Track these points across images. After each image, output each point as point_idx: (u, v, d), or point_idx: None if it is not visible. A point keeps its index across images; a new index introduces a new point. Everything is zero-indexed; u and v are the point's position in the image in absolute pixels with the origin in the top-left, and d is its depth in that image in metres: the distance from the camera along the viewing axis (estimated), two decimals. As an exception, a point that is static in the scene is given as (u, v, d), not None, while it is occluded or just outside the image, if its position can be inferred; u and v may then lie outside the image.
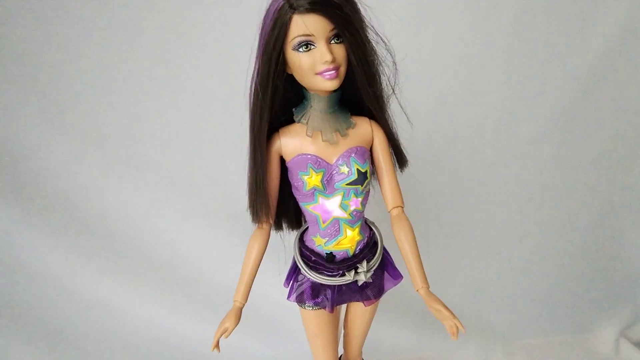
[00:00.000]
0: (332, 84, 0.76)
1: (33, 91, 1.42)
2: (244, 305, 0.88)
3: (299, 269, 0.92)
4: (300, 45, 0.73)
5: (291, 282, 0.96)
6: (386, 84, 0.85)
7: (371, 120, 0.87)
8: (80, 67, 1.41)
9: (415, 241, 0.86)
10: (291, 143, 0.84)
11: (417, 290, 0.83)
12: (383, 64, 0.83)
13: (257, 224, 0.89)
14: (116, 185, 1.52)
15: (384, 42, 0.81)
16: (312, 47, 0.73)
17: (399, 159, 0.91)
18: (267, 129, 0.81)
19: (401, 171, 0.93)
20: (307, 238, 0.93)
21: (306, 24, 0.71)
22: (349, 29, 0.73)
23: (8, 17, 1.35)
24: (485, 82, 1.55)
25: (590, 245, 1.77)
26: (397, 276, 0.97)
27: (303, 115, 0.83)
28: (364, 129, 0.86)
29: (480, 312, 1.72)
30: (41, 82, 1.41)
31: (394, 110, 0.90)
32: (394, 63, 0.83)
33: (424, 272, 0.84)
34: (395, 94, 0.87)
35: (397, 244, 0.87)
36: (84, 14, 1.37)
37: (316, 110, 0.82)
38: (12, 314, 1.51)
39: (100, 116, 1.46)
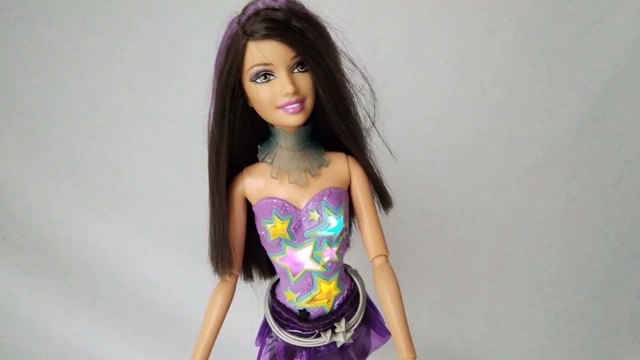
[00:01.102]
0: (296, 119, 0.65)
1: (10, 123, 1.35)
2: None
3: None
4: (257, 75, 0.62)
5: (262, 340, 0.84)
6: (364, 116, 0.74)
7: (348, 156, 0.75)
8: (59, 97, 1.34)
9: (401, 298, 0.73)
10: (256, 185, 0.73)
11: None
12: (359, 93, 0.72)
13: (220, 277, 0.77)
14: (94, 221, 1.43)
15: (359, 69, 0.70)
16: (272, 77, 0.63)
17: (382, 199, 0.79)
18: (226, 170, 0.70)
19: (386, 213, 0.81)
20: (278, 291, 0.81)
21: (263, 52, 0.61)
22: (314, 56, 0.63)
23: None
24: (488, 103, 1.43)
25: (611, 277, 1.61)
26: (385, 333, 0.84)
27: (268, 154, 0.72)
28: (339, 167, 0.74)
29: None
30: (17, 114, 1.34)
31: (377, 143, 0.78)
32: (372, 92, 0.73)
33: (410, 339, 0.71)
34: (375, 126, 0.76)
35: (379, 300, 0.74)
36: (59, 41, 1.30)
37: (283, 147, 0.71)
38: None
39: (77, 149, 1.38)
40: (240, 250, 0.77)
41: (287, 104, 0.63)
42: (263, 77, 0.62)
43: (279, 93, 0.63)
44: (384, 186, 0.78)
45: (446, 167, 1.48)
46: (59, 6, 1.29)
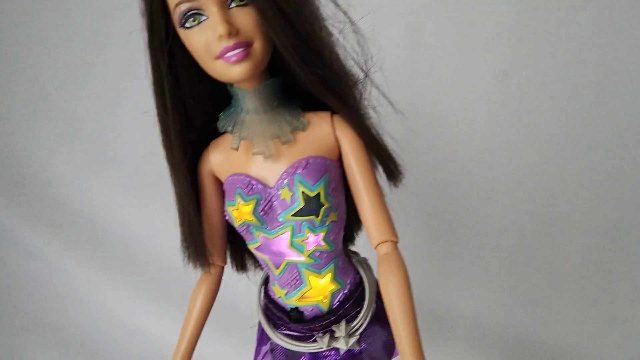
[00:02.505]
0: (240, 70, 0.49)
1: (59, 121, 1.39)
2: None
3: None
4: (185, 17, 0.48)
5: (258, 341, 0.71)
6: (357, 62, 0.57)
7: (335, 116, 0.58)
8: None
9: (410, 296, 0.55)
10: (221, 160, 0.60)
11: None
12: (341, 29, 0.54)
13: (200, 269, 0.66)
14: (139, 209, 1.43)
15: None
16: (203, 18, 0.48)
17: (387, 169, 0.60)
18: (183, 145, 0.57)
19: (394, 186, 0.62)
20: (269, 284, 0.68)
21: None
22: None
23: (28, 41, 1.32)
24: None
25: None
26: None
27: (228, 121, 0.58)
28: (320, 130, 0.57)
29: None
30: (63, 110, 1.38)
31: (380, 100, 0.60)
32: (356, 31, 0.54)
33: (418, 344, 0.53)
34: (366, 74, 0.57)
35: (383, 297, 0.57)
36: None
37: (244, 111, 0.56)
38: (40, 329, 1.49)
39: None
40: (220, 238, 0.65)
41: (224, 51, 0.48)
42: (192, 19, 0.48)
43: (213, 37, 0.48)
44: (387, 151, 0.59)
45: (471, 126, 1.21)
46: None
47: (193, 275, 0.68)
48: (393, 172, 0.60)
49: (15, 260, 1.46)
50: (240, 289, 0.77)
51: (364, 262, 0.67)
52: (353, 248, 0.73)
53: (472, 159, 1.24)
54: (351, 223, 0.68)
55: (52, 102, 1.39)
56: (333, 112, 0.58)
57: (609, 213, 1.26)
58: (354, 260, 0.67)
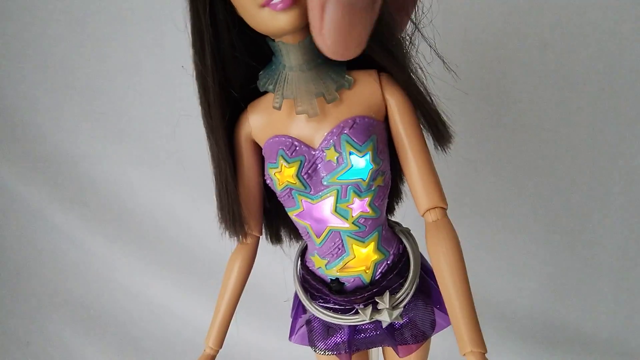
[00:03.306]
0: (287, 19, 0.46)
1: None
2: (217, 352, 0.64)
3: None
4: None
5: (293, 315, 0.69)
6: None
7: (382, 74, 0.55)
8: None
9: (464, 267, 0.52)
10: (261, 122, 0.57)
11: (464, 355, 0.50)
12: None
13: (235, 239, 0.64)
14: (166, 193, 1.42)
15: None
16: None
17: (436, 132, 0.57)
18: (222, 107, 0.55)
19: (443, 151, 0.59)
20: (307, 256, 0.65)
21: None
22: None
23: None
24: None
25: None
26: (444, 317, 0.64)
27: (269, 79, 0.55)
28: (368, 88, 0.54)
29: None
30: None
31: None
32: None
33: (477, 326, 0.50)
34: (419, 28, 0.54)
35: (433, 270, 0.54)
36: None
37: (287, 67, 0.53)
38: (87, 316, 1.51)
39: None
40: (257, 205, 0.62)
41: None
42: None
43: None
44: (437, 113, 0.56)
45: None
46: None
47: (222, 254, 0.66)
48: (443, 136, 0.57)
49: (47, 239, 1.48)
50: (271, 265, 0.76)
51: (408, 232, 0.64)
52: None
53: (503, 128, 1.19)
54: (392, 192, 0.65)
55: (75, 79, 1.38)
56: (380, 70, 0.55)
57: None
58: (396, 230, 0.63)
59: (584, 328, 1.29)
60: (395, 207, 0.70)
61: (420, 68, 0.55)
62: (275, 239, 0.71)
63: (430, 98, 0.55)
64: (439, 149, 0.58)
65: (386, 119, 0.56)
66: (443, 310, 0.64)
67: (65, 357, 1.46)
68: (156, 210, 1.45)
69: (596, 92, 1.16)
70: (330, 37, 0.34)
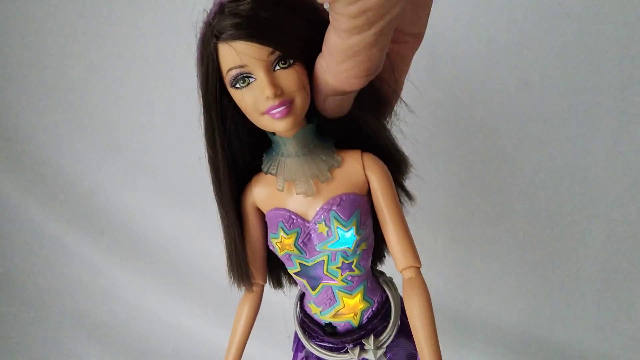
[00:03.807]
0: (284, 125, 0.57)
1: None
2: None
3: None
4: (236, 80, 0.56)
5: (295, 350, 0.80)
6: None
7: (364, 154, 0.65)
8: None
9: (432, 318, 0.63)
10: (264, 194, 0.68)
11: None
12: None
13: (243, 288, 0.75)
14: (168, 215, 1.53)
15: None
16: (252, 79, 0.56)
17: (394, 166, 0.69)
18: (231, 181, 0.66)
19: (410, 204, 0.71)
20: (305, 302, 0.76)
21: (237, 52, 0.54)
22: (294, 48, 0.54)
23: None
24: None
25: None
26: None
27: (271, 164, 0.65)
28: (352, 168, 0.65)
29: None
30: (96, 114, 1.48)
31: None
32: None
33: None
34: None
35: (408, 318, 0.65)
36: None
37: (285, 155, 0.64)
38: (85, 327, 1.61)
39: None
40: (261, 260, 0.73)
41: (270, 109, 0.56)
42: (242, 81, 0.56)
43: (260, 97, 0.55)
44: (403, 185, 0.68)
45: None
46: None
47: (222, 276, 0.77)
48: (400, 168, 0.69)
49: (63, 263, 1.59)
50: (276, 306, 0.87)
51: (390, 282, 0.75)
52: (382, 266, 0.81)
53: (487, 160, 1.30)
54: (380, 245, 0.76)
55: (92, 114, 1.49)
56: (363, 151, 0.66)
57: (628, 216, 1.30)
58: (380, 280, 0.74)
59: (567, 344, 1.38)
60: (386, 255, 0.80)
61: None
62: (277, 284, 0.82)
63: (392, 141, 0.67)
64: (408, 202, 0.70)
65: (369, 191, 0.66)
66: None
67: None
68: (164, 231, 1.56)
69: (574, 127, 1.25)
70: (329, 113, 0.61)
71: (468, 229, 1.38)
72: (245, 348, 0.76)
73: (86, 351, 1.58)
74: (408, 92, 0.68)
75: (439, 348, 0.61)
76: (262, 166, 0.66)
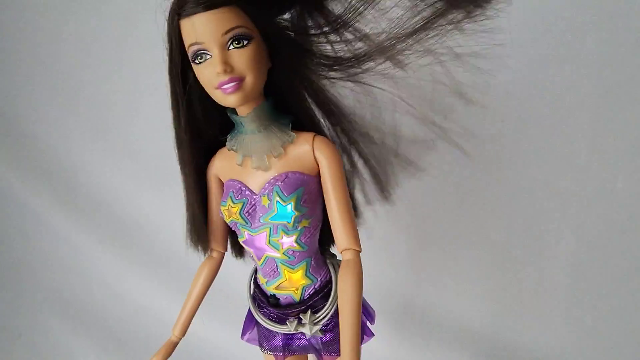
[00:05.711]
0: (233, 99, 0.62)
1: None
2: (180, 339, 0.81)
3: None
4: (195, 56, 0.62)
5: (246, 319, 0.85)
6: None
7: (317, 137, 0.69)
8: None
9: (360, 301, 0.66)
10: (223, 166, 0.74)
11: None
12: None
13: (201, 252, 0.81)
14: (151, 198, 1.58)
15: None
16: (208, 56, 0.61)
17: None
18: (193, 151, 0.72)
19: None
20: (257, 274, 0.81)
21: (195, 30, 0.60)
22: (253, 25, 0.61)
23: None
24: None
25: None
26: (367, 334, 0.77)
27: (234, 141, 0.71)
28: (303, 149, 0.69)
29: None
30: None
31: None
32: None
33: (357, 347, 0.63)
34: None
35: (338, 295, 0.68)
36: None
37: (243, 132, 0.69)
38: (75, 313, 1.68)
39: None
40: (221, 228, 0.79)
41: (221, 84, 0.61)
42: (200, 57, 0.61)
43: (213, 73, 0.61)
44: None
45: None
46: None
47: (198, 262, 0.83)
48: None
49: (44, 240, 1.68)
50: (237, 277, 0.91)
51: (337, 264, 0.78)
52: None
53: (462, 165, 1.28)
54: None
55: (80, 97, 1.54)
56: (317, 134, 0.69)
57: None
58: (327, 261, 0.78)
59: (536, 346, 1.35)
60: (332, 245, 0.82)
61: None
62: (238, 254, 0.87)
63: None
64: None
65: (319, 173, 0.70)
66: (364, 328, 0.78)
67: (54, 350, 1.63)
68: (146, 217, 1.60)
69: (548, 135, 1.21)
70: None
71: (441, 230, 1.36)
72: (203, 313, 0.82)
73: (59, 327, 1.65)
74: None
75: (358, 328, 0.64)
76: (226, 143, 0.72)
